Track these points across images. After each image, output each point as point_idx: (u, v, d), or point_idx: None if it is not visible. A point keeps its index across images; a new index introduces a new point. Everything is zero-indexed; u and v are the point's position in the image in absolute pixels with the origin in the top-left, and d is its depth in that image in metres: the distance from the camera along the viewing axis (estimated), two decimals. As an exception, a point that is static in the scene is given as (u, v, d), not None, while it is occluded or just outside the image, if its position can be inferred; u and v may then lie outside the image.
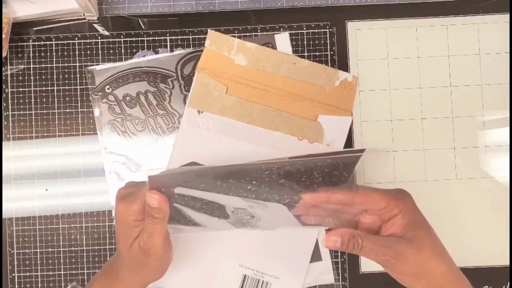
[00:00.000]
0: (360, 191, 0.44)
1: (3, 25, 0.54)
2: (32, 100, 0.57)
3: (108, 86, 0.57)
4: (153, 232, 0.44)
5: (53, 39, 0.57)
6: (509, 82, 0.57)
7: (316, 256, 0.56)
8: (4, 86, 0.57)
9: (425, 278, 0.43)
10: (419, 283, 0.43)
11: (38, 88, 0.57)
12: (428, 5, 0.58)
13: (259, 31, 0.58)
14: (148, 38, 0.57)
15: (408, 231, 0.43)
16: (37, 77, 0.57)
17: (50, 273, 0.56)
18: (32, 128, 0.57)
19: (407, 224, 0.43)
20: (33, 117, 0.57)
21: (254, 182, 0.45)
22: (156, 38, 0.57)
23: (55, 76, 0.57)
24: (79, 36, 0.57)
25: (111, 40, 0.57)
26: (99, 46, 0.57)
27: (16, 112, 0.57)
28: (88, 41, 0.57)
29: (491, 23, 0.58)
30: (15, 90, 0.57)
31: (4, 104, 0.57)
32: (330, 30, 0.58)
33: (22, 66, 0.57)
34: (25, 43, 0.57)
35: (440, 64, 0.58)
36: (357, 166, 0.54)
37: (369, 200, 0.44)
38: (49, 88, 0.57)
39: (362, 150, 0.46)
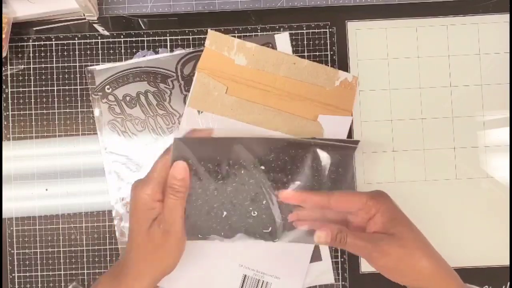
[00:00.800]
0: (336, 194, 0.47)
1: (3, 25, 0.54)
2: (32, 100, 0.57)
3: (108, 86, 0.57)
4: (174, 208, 0.44)
5: (53, 39, 0.57)
6: (509, 82, 0.57)
7: (316, 256, 0.56)
8: (4, 86, 0.57)
9: (408, 272, 0.44)
10: (403, 276, 0.44)
11: (38, 88, 0.57)
12: (428, 5, 0.58)
13: (259, 31, 0.58)
14: (148, 38, 0.57)
15: (390, 228, 0.45)
16: (37, 77, 0.57)
17: (50, 273, 0.56)
18: (32, 128, 0.57)
19: (387, 222, 0.45)
20: (33, 117, 0.57)
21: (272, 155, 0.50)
22: (156, 38, 0.57)
23: (55, 76, 0.57)
24: (79, 36, 0.57)
25: (111, 40, 0.57)
26: (99, 46, 0.57)
27: (16, 112, 0.57)
28: (88, 41, 0.57)
29: (490, 23, 0.58)
30: (15, 90, 0.57)
31: (4, 104, 0.57)
32: (330, 30, 0.58)
33: (22, 66, 0.57)
34: (25, 43, 0.57)
35: (440, 64, 0.58)
36: (357, 167, 0.54)
37: (345, 201, 0.46)
38: (49, 88, 0.57)
39: (356, 141, 0.52)
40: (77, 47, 0.57)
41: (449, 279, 0.45)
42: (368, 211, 0.46)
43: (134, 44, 0.57)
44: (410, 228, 0.46)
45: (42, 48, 0.57)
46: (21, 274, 0.56)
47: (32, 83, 0.57)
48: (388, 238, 0.44)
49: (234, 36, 0.57)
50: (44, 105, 0.57)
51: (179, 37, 0.57)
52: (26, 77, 0.57)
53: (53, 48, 0.57)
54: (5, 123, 0.57)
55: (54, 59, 0.57)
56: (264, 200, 0.51)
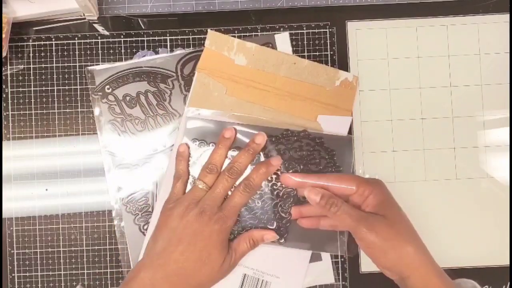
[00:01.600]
0: (334, 175, 0.50)
1: (3, 25, 0.53)
2: (32, 100, 0.57)
3: (108, 86, 0.57)
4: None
5: (53, 39, 0.57)
6: (509, 82, 0.57)
7: (316, 256, 0.56)
8: (4, 86, 0.57)
9: (392, 255, 0.45)
10: (386, 259, 0.45)
11: (38, 88, 0.57)
12: (428, 5, 0.58)
13: (259, 31, 0.58)
14: (148, 38, 0.57)
15: (381, 210, 0.47)
16: (37, 77, 0.57)
17: (50, 273, 0.56)
18: (32, 128, 0.57)
19: (379, 204, 0.47)
20: (33, 117, 0.57)
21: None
22: (156, 38, 0.57)
23: (55, 76, 0.57)
24: (79, 36, 0.57)
25: (111, 40, 0.57)
26: (99, 46, 0.57)
27: (16, 112, 0.57)
28: (88, 41, 0.57)
29: (491, 23, 0.58)
30: (15, 90, 0.57)
31: (4, 104, 0.57)
32: (330, 30, 0.58)
33: (22, 66, 0.57)
34: (25, 43, 0.57)
35: (440, 64, 0.58)
36: (357, 167, 0.55)
37: (341, 181, 0.48)
38: (49, 88, 0.57)
39: (349, 137, 0.56)
40: (77, 47, 0.57)
41: (431, 270, 0.45)
42: (362, 193, 0.48)
43: (134, 44, 0.57)
44: (400, 214, 0.48)
45: (42, 48, 0.57)
46: (21, 274, 0.56)
47: (32, 83, 0.57)
48: (379, 217, 0.46)
49: (234, 36, 0.57)
50: (44, 105, 0.57)
51: (179, 37, 0.57)
52: (26, 77, 0.57)
53: (53, 48, 0.57)
54: (5, 123, 0.57)
55: (54, 59, 0.57)
56: (267, 188, 0.54)
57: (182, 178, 0.53)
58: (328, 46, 0.58)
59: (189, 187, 0.54)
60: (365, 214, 0.46)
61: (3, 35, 0.53)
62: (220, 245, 0.50)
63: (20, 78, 0.57)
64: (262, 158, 0.54)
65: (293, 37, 0.57)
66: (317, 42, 0.58)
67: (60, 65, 0.57)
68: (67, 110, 0.57)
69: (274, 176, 0.54)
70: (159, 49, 0.57)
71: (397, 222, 0.46)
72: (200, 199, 0.51)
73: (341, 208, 0.46)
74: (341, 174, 0.52)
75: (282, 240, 0.54)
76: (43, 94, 0.57)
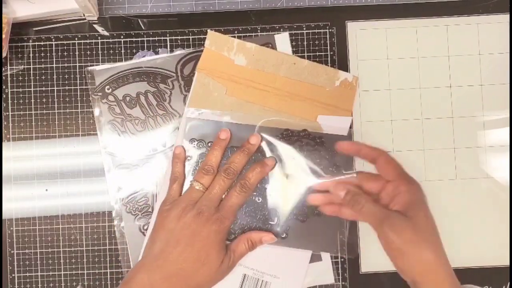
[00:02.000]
0: (385, 155, 0.49)
1: (3, 25, 0.53)
2: (32, 100, 0.57)
3: (108, 86, 0.57)
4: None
5: (53, 39, 0.57)
6: (509, 82, 0.57)
7: (316, 256, 0.56)
8: (4, 86, 0.57)
9: (410, 258, 0.44)
10: (404, 261, 0.44)
11: (38, 88, 0.57)
12: (428, 5, 0.58)
13: (259, 31, 0.58)
14: (148, 38, 0.57)
15: (409, 210, 0.45)
16: (37, 77, 0.57)
17: (50, 273, 0.56)
18: (32, 129, 0.57)
19: (408, 204, 0.46)
20: (33, 117, 0.57)
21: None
22: (156, 38, 0.57)
23: (55, 76, 0.57)
24: (79, 36, 0.57)
25: (111, 40, 0.57)
26: (99, 46, 0.57)
27: (16, 113, 0.57)
28: (88, 41, 0.57)
29: (491, 23, 0.58)
30: (15, 90, 0.57)
31: (4, 104, 0.57)
32: (330, 30, 0.58)
33: (22, 66, 0.57)
34: (25, 43, 0.57)
35: (440, 65, 0.58)
36: (357, 168, 0.55)
37: (389, 164, 0.48)
38: (49, 88, 0.57)
39: (350, 131, 0.56)
40: (77, 47, 0.57)
41: (444, 281, 0.45)
42: (398, 186, 0.47)
43: (134, 45, 0.57)
44: (427, 219, 0.46)
45: (42, 48, 0.57)
46: (21, 274, 0.56)
47: (32, 83, 0.57)
48: (403, 217, 0.45)
49: (234, 36, 0.57)
50: (44, 105, 0.57)
51: (179, 37, 0.57)
52: (26, 77, 0.57)
53: (53, 48, 0.57)
54: (5, 123, 0.57)
55: (54, 59, 0.57)
56: (266, 184, 0.54)
57: (179, 180, 0.54)
58: (328, 47, 0.58)
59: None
60: (389, 213, 0.45)
61: (3, 35, 0.53)
62: (218, 246, 0.50)
63: (20, 78, 0.57)
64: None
65: (293, 37, 0.57)
66: (317, 42, 0.58)
67: (60, 65, 0.57)
68: (67, 111, 0.57)
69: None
70: (159, 49, 0.57)
71: (422, 227, 0.45)
72: (197, 200, 0.51)
73: (364, 206, 0.46)
74: (392, 159, 0.51)
75: (284, 235, 0.54)
76: (43, 94, 0.57)
